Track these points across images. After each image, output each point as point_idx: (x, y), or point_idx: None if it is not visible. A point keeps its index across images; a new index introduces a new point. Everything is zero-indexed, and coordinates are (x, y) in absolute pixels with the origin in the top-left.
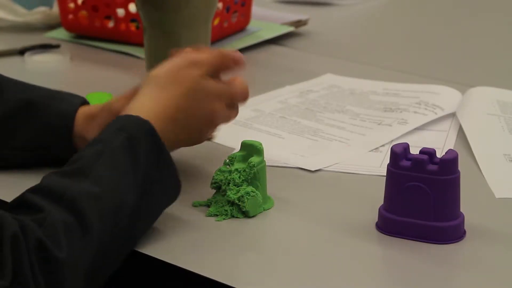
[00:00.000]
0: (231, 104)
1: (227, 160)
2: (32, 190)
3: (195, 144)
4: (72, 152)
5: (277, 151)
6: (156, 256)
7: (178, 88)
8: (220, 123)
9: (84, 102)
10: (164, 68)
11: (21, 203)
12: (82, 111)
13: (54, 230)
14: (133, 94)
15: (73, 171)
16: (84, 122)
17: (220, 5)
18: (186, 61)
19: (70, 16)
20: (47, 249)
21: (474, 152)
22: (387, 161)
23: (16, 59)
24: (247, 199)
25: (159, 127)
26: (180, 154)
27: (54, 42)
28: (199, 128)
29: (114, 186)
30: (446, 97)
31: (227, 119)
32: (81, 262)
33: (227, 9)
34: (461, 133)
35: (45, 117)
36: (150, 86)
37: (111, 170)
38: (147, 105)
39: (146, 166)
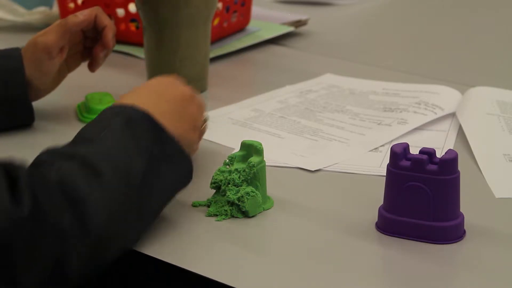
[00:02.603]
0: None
1: (227, 160)
2: (41, 152)
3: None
4: (29, 102)
5: (277, 151)
6: (156, 256)
7: (167, 96)
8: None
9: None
10: (164, 78)
11: (34, 163)
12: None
13: (70, 173)
14: (58, 29)
15: (77, 141)
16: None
17: (220, 5)
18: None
19: None
20: (67, 184)
21: (474, 152)
22: (387, 161)
23: None
24: (247, 199)
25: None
26: None
27: None
28: (185, 132)
29: (120, 151)
30: (446, 97)
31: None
32: (101, 204)
33: (227, 9)
34: (461, 133)
35: None
36: (145, 89)
37: (115, 141)
38: (139, 102)
39: (147, 142)
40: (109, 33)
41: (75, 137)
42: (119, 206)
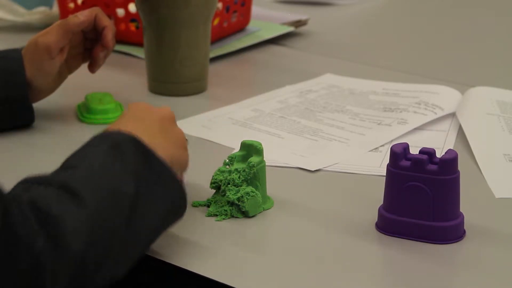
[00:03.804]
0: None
1: (227, 160)
2: (18, 183)
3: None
4: (29, 103)
5: (277, 151)
6: (156, 256)
7: (150, 120)
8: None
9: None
10: (139, 104)
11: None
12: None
13: (44, 195)
14: (58, 30)
15: (60, 169)
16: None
17: (220, 5)
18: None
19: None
20: (39, 204)
21: (474, 152)
22: (387, 161)
23: None
24: (247, 199)
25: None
26: None
27: None
28: (176, 151)
29: (106, 175)
30: (446, 97)
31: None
32: (77, 223)
33: (227, 9)
34: (461, 133)
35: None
36: (126, 116)
37: (100, 166)
38: (126, 128)
39: (136, 166)
40: (109, 34)
41: (61, 165)
42: (101, 231)
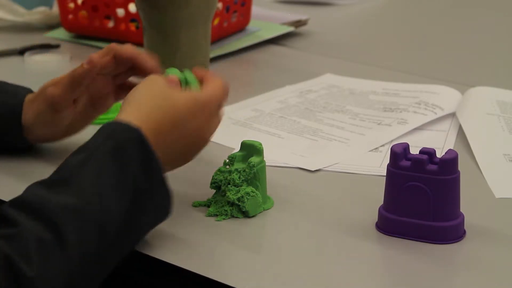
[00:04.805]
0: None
1: (227, 160)
2: (11, 202)
3: (182, 164)
4: (23, 141)
5: (277, 151)
6: (156, 256)
7: (173, 105)
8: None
9: (30, 91)
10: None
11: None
12: (27, 98)
13: (25, 246)
14: (67, 82)
15: (55, 181)
16: (25, 109)
17: (220, 5)
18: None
19: (70, 16)
20: (15, 266)
21: (474, 152)
22: (387, 161)
23: (16, 59)
24: (247, 199)
25: (151, 139)
26: None
27: (54, 42)
28: (190, 149)
29: (97, 197)
30: (446, 97)
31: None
32: (57, 280)
33: (227, 9)
34: (461, 133)
35: None
36: (144, 94)
37: (95, 180)
38: (138, 114)
39: (135, 176)
40: (146, 60)
41: (59, 167)
42: (83, 274)
